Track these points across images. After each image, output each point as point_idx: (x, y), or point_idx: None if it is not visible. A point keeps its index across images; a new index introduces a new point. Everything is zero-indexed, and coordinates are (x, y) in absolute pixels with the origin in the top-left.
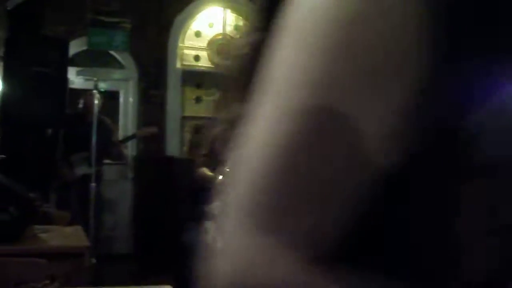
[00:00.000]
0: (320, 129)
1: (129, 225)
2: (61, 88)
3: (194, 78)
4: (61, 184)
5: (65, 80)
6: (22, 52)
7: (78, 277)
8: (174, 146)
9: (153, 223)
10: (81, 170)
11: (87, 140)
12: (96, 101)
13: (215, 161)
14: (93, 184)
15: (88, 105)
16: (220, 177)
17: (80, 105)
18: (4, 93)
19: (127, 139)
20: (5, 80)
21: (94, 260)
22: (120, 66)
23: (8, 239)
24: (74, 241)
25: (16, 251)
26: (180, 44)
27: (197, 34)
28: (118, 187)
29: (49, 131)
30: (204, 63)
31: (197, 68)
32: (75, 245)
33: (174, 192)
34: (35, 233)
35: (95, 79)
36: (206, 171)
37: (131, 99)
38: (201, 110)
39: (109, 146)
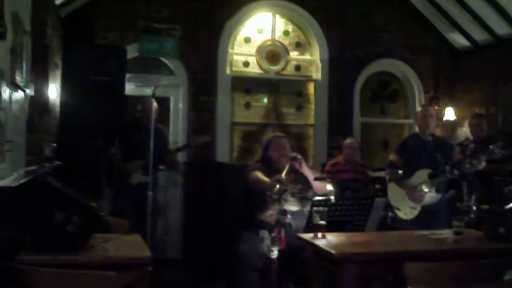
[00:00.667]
0: None
1: (179, 231)
2: (119, 96)
3: (244, 84)
4: (117, 191)
5: (122, 88)
6: (80, 61)
7: (139, 286)
8: (224, 152)
9: (203, 229)
10: (137, 178)
11: (144, 148)
12: (153, 108)
13: (269, 167)
14: (150, 193)
15: (146, 111)
16: (276, 185)
17: (138, 110)
18: (62, 101)
19: (181, 148)
20: (63, 88)
21: (150, 268)
22: (170, 72)
23: (73, 249)
24: (136, 251)
25: (82, 261)
26: (230, 50)
27: (247, 40)
28: (168, 193)
29: (101, 140)
30: (253, 68)
31: (246, 73)
32: (139, 256)
33: (224, 198)
34: (97, 242)
35: (152, 87)
36: (260, 175)
37: (181, 105)
38: (251, 116)
39: (164, 155)
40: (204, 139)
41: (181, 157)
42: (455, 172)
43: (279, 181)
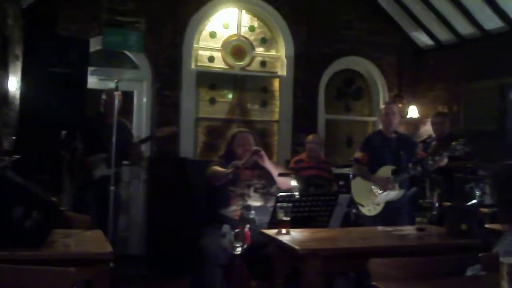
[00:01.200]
0: None
1: (142, 227)
2: (81, 89)
3: (208, 79)
4: (78, 185)
5: (84, 81)
6: (41, 52)
7: (99, 283)
8: (188, 148)
9: (167, 224)
10: (99, 171)
11: (106, 142)
12: (117, 102)
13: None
14: (112, 187)
15: (109, 104)
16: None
17: (101, 102)
18: (22, 93)
19: (145, 139)
20: (23, 80)
21: (112, 264)
22: (134, 66)
23: (32, 245)
24: (97, 247)
25: (41, 256)
26: (195, 45)
27: (212, 35)
28: (131, 188)
29: (63, 133)
30: (219, 64)
31: (211, 69)
32: (99, 251)
33: (188, 194)
34: (57, 238)
35: (115, 80)
36: (217, 168)
37: (145, 100)
38: (215, 111)
39: (128, 148)
40: (169, 129)
41: (144, 152)
42: (418, 168)
43: (235, 166)
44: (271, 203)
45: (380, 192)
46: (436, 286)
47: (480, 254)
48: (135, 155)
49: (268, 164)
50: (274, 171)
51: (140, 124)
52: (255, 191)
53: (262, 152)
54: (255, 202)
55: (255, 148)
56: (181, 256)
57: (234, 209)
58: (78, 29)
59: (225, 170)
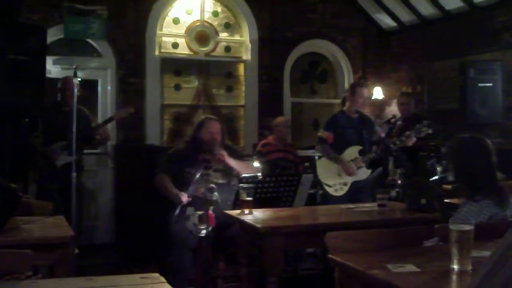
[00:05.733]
0: None
1: (110, 215)
2: (39, 76)
3: (173, 66)
4: (42, 174)
5: (43, 68)
6: None
7: (62, 268)
8: (154, 135)
9: (135, 212)
10: (62, 160)
11: (65, 129)
12: (75, 89)
13: (197, 147)
14: (74, 174)
15: (67, 90)
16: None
17: (59, 88)
18: None
19: (105, 122)
20: None
21: (77, 251)
22: (97, 54)
23: None
24: (57, 231)
25: (1, 243)
26: (158, 32)
27: (175, 21)
28: (98, 176)
29: (25, 120)
30: (183, 50)
31: (175, 55)
32: (59, 235)
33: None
34: (17, 224)
35: (74, 66)
36: (167, 182)
37: (109, 88)
38: (181, 98)
39: (89, 133)
40: (127, 110)
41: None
42: (383, 148)
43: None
44: (234, 181)
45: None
46: (391, 256)
47: (435, 226)
48: (101, 137)
49: (231, 162)
50: (237, 166)
51: (105, 112)
52: (215, 171)
53: (223, 152)
54: (217, 179)
55: (220, 153)
56: (150, 243)
57: (195, 188)
58: (40, 18)
59: (174, 192)
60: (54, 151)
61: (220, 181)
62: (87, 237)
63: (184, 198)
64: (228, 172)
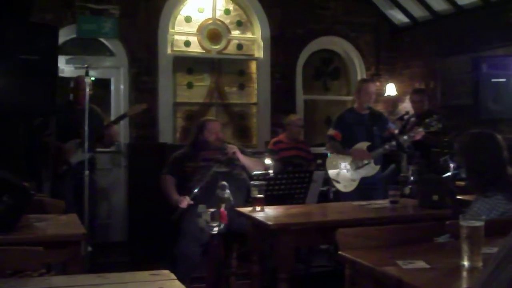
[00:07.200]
0: None
1: (124, 214)
2: (51, 76)
3: (185, 64)
4: (55, 173)
5: (55, 67)
6: (10, 39)
7: (74, 265)
8: (166, 133)
9: (148, 210)
10: (76, 157)
11: (78, 126)
12: (87, 88)
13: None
14: (86, 172)
15: (79, 88)
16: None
17: (71, 87)
18: None
19: (118, 119)
20: None
21: (90, 248)
22: (110, 53)
23: (3, 228)
24: (70, 229)
25: (12, 240)
26: (170, 30)
27: (187, 19)
28: (112, 175)
29: (38, 120)
30: (195, 48)
31: (187, 53)
32: (71, 233)
33: None
34: (30, 222)
35: (85, 65)
36: (170, 187)
37: (122, 87)
38: (193, 96)
39: (101, 131)
40: (140, 107)
41: (123, 139)
42: (393, 144)
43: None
44: (237, 171)
45: (356, 167)
46: (401, 253)
47: (446, 222)
48: (110, 135)
49: (242, 158)
50: (248, 162)
51: (119, 111)
52: (217, 161)
53: (234, 148)
54: (220, 169)
55: (231, 147)
56: (163, 242)
57: (197, 179)
58: (53, 18)
59: (174, 198)
60: (68, 148)
61: (223, 169)
62: (101, 235)
63: (184, 203)
64: (230, 161)
